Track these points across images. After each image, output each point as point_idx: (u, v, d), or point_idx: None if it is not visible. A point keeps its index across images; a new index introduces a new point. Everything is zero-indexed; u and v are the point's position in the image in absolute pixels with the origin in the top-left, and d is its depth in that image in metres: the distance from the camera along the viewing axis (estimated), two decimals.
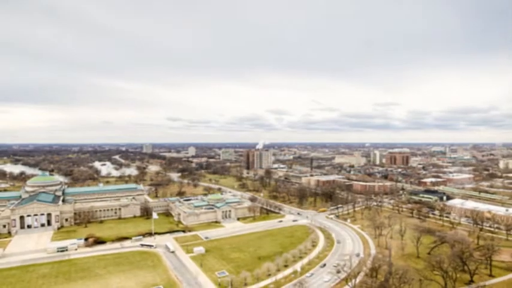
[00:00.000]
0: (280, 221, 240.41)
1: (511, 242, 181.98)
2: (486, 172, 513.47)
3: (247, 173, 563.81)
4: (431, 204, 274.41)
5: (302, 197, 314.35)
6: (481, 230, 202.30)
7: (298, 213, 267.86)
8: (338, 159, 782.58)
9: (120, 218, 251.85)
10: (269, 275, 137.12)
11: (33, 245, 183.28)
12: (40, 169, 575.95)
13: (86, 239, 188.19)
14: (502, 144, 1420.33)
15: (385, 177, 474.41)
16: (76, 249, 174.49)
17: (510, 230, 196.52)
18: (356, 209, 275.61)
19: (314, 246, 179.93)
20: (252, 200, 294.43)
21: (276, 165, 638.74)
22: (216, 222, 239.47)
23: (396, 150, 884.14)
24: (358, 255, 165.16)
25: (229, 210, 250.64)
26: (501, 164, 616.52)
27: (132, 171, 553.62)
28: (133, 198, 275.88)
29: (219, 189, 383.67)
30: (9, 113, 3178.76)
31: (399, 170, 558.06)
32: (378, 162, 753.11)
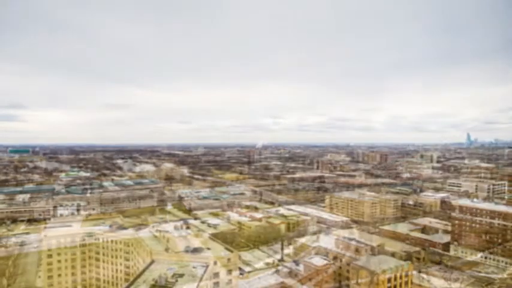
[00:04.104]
0: (277, 210, 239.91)
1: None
2: (454, 168, 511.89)
3: (248, 169, 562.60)
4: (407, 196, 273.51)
5: (296, 189, 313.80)
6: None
7: (293, 204, 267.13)
8: (327, 157, 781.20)
9: (139, 208, 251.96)
10: (268, 256, 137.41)
11: (65, 231, 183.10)
12: (71, 166, 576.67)
13: (110, 226, 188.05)
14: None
15: (367, 172, 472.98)
16: (102, 235, 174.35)
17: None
18: None
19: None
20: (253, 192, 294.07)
21: (273, 163, 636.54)
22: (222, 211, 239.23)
23: (377, 149, 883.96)
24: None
25: (233, 201, 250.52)
26: (466, 161, 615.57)
27: (150, 167, 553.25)
28: (151, 190, 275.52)
29: (224, 183, 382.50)
30: (46, 116, 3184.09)
31: (379, 166, 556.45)
32: (360, 159, 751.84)
